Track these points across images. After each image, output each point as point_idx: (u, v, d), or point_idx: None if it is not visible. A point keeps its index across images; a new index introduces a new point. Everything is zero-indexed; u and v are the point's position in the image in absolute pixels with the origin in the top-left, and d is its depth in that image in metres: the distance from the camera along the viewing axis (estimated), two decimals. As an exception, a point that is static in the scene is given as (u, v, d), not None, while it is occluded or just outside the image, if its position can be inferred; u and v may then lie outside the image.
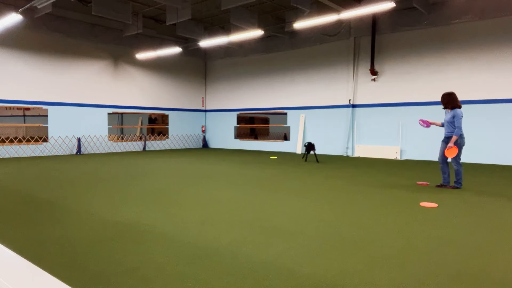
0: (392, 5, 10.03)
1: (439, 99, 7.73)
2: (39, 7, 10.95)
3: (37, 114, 15.85)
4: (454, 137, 6.50)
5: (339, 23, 13.99)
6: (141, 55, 16.09)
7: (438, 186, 6.93)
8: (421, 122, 7.10)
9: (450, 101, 6.66)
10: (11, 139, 13.29)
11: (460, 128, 6.49)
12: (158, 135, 17.91)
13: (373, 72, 13.46)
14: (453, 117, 6.56)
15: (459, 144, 6.58)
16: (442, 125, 6.98)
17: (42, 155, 13.68)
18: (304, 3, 11.39)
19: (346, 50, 14.24)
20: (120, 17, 11.79)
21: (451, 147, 6.52)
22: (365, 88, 13.87)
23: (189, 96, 18.95)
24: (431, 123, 7.03)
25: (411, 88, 12.78)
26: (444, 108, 6.81)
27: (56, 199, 5.63)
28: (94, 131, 15.21)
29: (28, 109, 15.99)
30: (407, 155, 12.88)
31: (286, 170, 9.41)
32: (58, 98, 14.06)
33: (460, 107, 6.64)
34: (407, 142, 12.88)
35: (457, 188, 6.71)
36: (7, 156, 12.83)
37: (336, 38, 14.33)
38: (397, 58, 13.05)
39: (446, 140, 6.81)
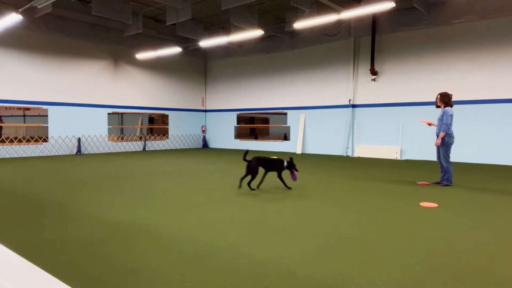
0: (392, 5, 10.04)
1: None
2: (39, 7, 10.94)
3: (37, 114, 15.83)
4: (441, 133, 6.72)
5: (339, 23, 13.99)
6: (141, 55, 16.09)
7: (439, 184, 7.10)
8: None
9: (442, 99, 6.92)
10: (11, 139, 13.29)
11: (447, 124, 6.68)
12: (158, 135, 17.88)
13: (373, 72, 13.46)
14: (443, 114, 6.79)
15: (447, 142, 6.79)
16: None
17: (42, 155, 13.68)
18: (304, 3, 11.39)
19: (346, 50, 14.24)
20: (120, 17, 11.79)
21: (438, 144, 6.80)
22: (365, 88, 13.86)
23: (189, 96, 18.94)
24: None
25: (411, 88, 12.77)
26: (437, 107, 7.07)
27: (56, 199, 5.63)
28: (94, 131, 15.21)
29: (28, 109, 15.98)
30: (407, 155, 12.88)
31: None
32: (58, 98, 14.06)
33: (451, 106, 6.87)
34: (407, 142, 12.87)
35: (448, 185, 6.90)
36: (7, 156, 12.83)
37: (336, 38, 14.33)
38: (397, 58, 13.05)
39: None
